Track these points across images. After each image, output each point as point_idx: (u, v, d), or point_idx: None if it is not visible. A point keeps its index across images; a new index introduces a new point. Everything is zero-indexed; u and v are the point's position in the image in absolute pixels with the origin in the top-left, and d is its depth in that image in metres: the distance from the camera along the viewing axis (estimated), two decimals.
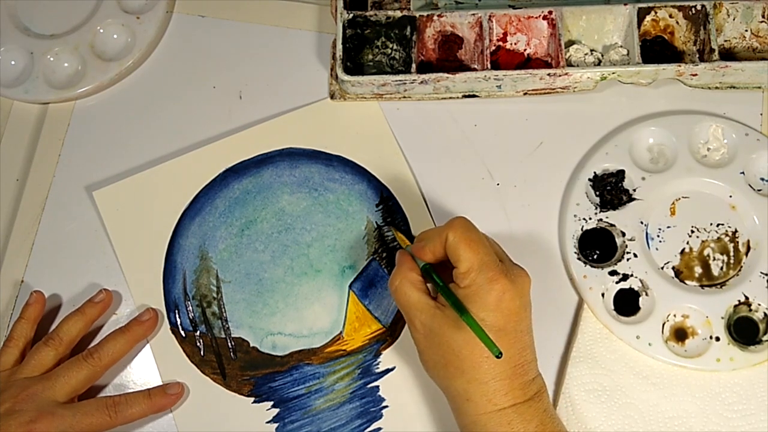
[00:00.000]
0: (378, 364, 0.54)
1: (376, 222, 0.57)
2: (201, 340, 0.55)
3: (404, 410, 0.53)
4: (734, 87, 0.59)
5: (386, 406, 0.53)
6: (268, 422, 0.53)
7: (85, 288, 0.57)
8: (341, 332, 0.55)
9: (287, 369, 0.54)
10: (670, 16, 0.60)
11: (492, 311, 0.44)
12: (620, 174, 0.56)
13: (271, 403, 0.54)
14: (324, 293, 0.56)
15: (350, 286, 0.56)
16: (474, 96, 0.60)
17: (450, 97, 0.60)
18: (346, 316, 0.55)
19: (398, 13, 0.60)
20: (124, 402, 0.51)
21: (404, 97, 0.60)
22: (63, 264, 0.58)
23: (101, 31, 0.64)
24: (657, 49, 0.60)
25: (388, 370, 0.54)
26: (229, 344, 0.55)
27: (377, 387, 0.54)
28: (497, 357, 0.41)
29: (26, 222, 0.59)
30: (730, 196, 0.55)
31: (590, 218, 0.55)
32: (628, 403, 0.51)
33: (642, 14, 0.59)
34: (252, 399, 0.54)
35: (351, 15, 0.60)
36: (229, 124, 0.61)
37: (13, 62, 0.64)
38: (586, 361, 0.52)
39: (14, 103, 0.64)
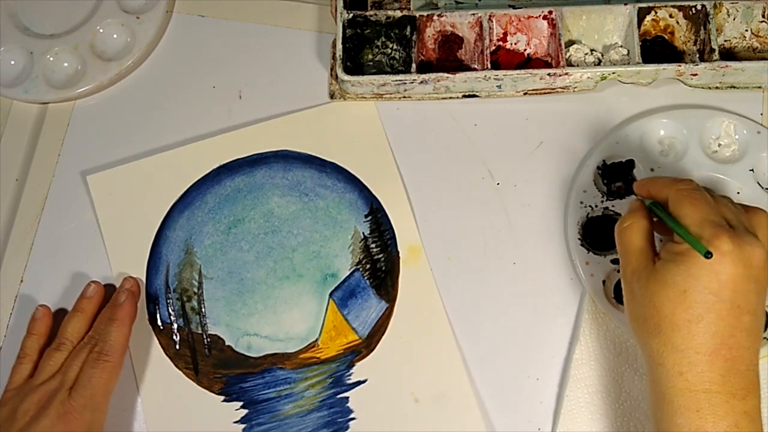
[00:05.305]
0: (350, 375, 0.54)
1: (363, 233, 0.57)
2: (178, 334, 0.55)
3: (371, 424, 0.53)
4: (734, 87, 0.59)
5: (353, 418, 0.53)
6: (235, 422, 0.53)
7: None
8: (317, 339, 0.55)
9: (260, 371, 0.54)
10: (670, 16, 0.60)
11: (707, 271, 0.40)
12: (630, 164, 0.56)
13: (241, 403, 0.54)
14: (304, 299, 0.56)
15: (331, 295, 0.56)
16: (474, 96, 0.60)
17: (450, 97, 0.60)
18: (323, 324, 0.55)
19: (398, 13, 0.60)
20: (103, 341, 0.51)
21: (404, 97, 0.60)
22: (62, 264, 0.58)
23: (101, 31, 0.64)
24: (657, 49, 0.60)
25: (359, 382, 0.54)
26: (205, 340, 0.55)
27: (347, 398, 0.53)
28: (705, 256, 0.39)
29: (26, 222, 0.59)
30: (738, 193, 0.56)
31: (596, 206, 0.55)
32: (631, 404, 0.51)
33: (642, 14, 0.59)
34: (222, 398, 0.54)
35: (351, 15, 0.60)
36: (228, 123, 0.61)
37: (12, 62, 0.64)
38: (589, 362, 0.52)
39: (14, 102, 0.64)
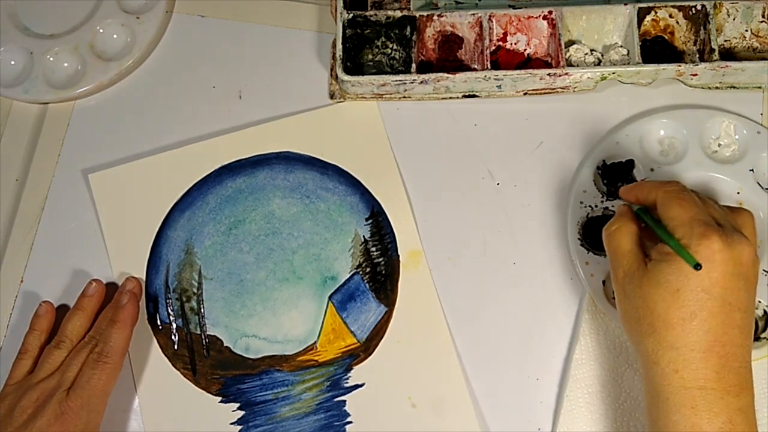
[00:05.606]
0: (348, 378, 0.54)
1: (363, 236, 0.57)
2: (176, 334, 0.55)
3: (367, 428, 0.53)
4: (734, 87, 0.59)
5: (350, 422, 0.53)
6: (232, 423, 0.53)
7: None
8: (315, 342, 0.55)
9: (257, 373, 0.54)
10: (670, 16, 0.60)
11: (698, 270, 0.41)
12: (630, 164, 0.56)
13: (238, 404, 0.54)
14: (303, 301, 0.56)
15: (330, 297, 0.56)
16: (474, 96, 0.60)
17: (450, 97, 0.60)
18: (322, 327, 0.55)
19: (398, 13, 0.60)
20: (103, 342, 0.51)
21: (404, 97, 0.60)
22: (63, 264, 0.58)
23: (101, 31, 0.64)
24: (657, 49, 0.60)
25: (357, 386, 0.54)
26: (204, 341, 0.55)
27: (344, 401, 0.53)
28: (695, 268, 0.40)
29: (26, 222, 0.59)
30: (738, 193, 0.56)
31: (596, 206, 0.55)
32: (631, 404, 0.51)
33: (642, 14, 0.59)
34: (219, 398, 0.54)
35: (351, 15, 0.60)
36: (228, 123, 0.61)
37: (12, 62, 0.64)
38: (589, 362, 0.52)
39: (14, 103, 0.64)
